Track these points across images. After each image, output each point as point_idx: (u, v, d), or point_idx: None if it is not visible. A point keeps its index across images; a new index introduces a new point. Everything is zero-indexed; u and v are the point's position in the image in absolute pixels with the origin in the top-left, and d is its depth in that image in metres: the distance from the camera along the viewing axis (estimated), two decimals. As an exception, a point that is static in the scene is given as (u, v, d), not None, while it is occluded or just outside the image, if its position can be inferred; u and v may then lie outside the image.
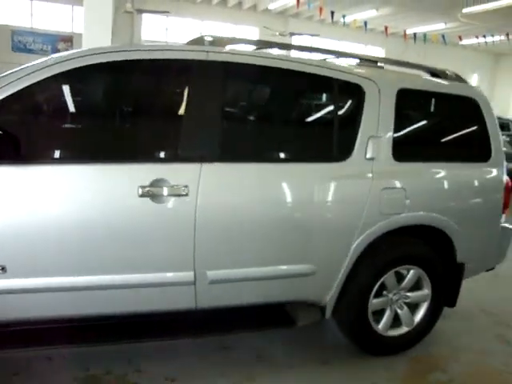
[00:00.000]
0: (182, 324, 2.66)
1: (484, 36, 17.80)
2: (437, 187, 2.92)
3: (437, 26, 18.46)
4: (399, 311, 2.99)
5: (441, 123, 3.13)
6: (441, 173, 2.95)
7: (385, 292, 2.93)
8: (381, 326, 2.95)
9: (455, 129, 3.14)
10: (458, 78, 3.17)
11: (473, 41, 19.76)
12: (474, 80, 25.99)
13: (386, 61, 3.15)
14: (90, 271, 2.29)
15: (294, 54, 3.38)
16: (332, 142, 2.69)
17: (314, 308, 2.82)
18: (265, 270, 2.54)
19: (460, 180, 3.03)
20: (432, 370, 2.93)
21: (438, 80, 3.11)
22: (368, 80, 2.76)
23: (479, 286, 4.34)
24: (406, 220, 2.79)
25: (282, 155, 2.66)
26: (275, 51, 2.96)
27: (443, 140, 3.11)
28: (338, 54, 3.07)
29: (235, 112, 2.65)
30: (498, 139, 3.15)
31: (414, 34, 17.15)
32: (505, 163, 3.21)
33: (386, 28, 16.80)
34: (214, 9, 20.04)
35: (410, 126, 3.01)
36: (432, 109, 3.10)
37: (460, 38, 18.35)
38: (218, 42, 2.60)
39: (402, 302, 2.99)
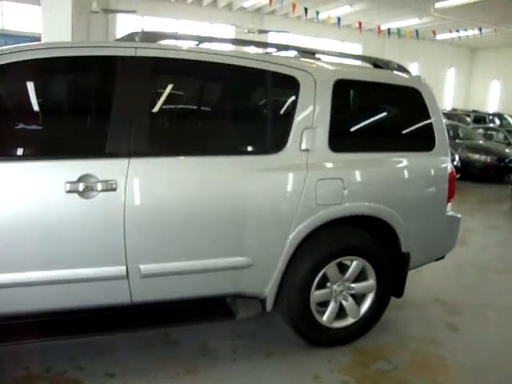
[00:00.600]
0: (118, 318, 2.63)
1: (457, 31, 17.96)
2: (377, 177, 2.92)
3: (411, 22, 18.58)
4: (344, 302, 2.99)
5: (382, 113, 3.14)
6: (381, 163, 2.96)
7: (328, 284, 2.93)
8: (325, 317, 2.95)
9: (397, 119, 3.16)
10: (401, 69, 3.18)
11: (447, 36, 19.92)
12: (450, 74, 26.32)
13: (328, 52, 3.15)
14: (19, 268, 2.27)
15: (249, 49, 3.39)
16: (265, 135, 2.68)
17: (254, 301, 2.81)
18: (198, 264, 2.52)
19: (402, 169, 3.04)
20: (377, 360, 2.94)
21: (379, 70, 3.12)
22: (303, 72, 2.75)
23: (438, 276, 4.40)
24: (344, 210, 2.79)
25: (213, 148, 2.63)
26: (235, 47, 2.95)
27: (384, 130, 3.12)
28: (278, 47, 3.07)
29: (164, 107, 2.62)
30: (441, 129, 3.17)
31: (388, 30, 17.25)
32: (449, 152, 3.23)
33: (360, 24, 16.85)
34: (190, 8, 19.92)
35: (348, 116, 3.01)
36: (372, 99, 3.10)
37: (434, 33, 18.47)
38: (149, 37, 2.58)
39: (346, 293, 2.99)
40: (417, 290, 4.06)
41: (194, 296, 2.63)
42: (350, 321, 3.03)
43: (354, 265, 2.94)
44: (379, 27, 16.96)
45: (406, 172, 3.04)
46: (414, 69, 23.58)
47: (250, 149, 2.67)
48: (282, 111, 2.81)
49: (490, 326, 3.53)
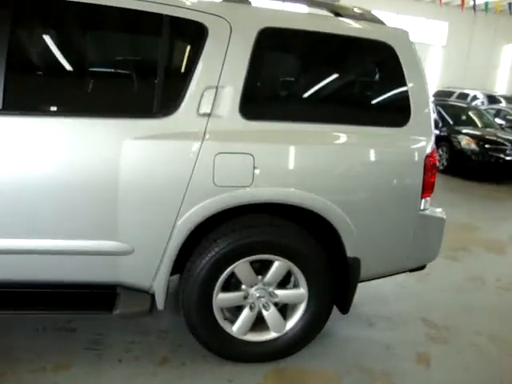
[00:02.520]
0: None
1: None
2: (310, 156, 2.23)
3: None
4: (264, 312, 2.39)
5: (329, 74, 2.38)
6: (318, 137, 2.26)
7: (243, 286, 2.35)
8: (235, 327, 2.38)
9: (352, 81, 2.41)
10: (371, 18, 2.41)
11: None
12: None
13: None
14: None
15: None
16: (152, 94, 2.11)
17: (144, 296, 2.33)
18: (54, 244, 2.09)
19: (352, 148, 2.31)
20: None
21: (333, 19, 2.38)
22: (216, 17, 2.13)
23: (443, 287, 3.57)
24: (254, 195, 2.16)
25: (77, 108, 2.12)
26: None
27: (330, 95, 2.38)
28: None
29: (21, 55, 2.16)
30: (422, 99, 2.36)
31: (474, 4, 15.01)
32: (431, 132, 2.42)
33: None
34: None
35: (275, 75, 2.33)
36: (317, 55, 2.35)
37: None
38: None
39: (268, 300, 2.38)
40: (406, 302, 3.27)
41: (52, 280, 2.21)
42: (271, 335, 2.43)
43: (275, 267, 2.30)
44: (463, 1, 14.84)
45: (357, 152, 2.30)
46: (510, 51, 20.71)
47: (127, 110, 2.13)
48: (178, 65, 2.23)
49: (478, 368, 2.62)
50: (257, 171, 2.13)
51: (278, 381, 2.36)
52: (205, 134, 2.10)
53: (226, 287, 2.36)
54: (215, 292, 2.28)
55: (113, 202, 2.08)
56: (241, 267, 2.27)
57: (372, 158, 2.31)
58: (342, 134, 2.28)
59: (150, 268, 2.22)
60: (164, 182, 2.10)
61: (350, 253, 2.35)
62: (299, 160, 2.21)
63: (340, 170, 2.26)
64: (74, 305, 2.29)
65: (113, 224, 2.11)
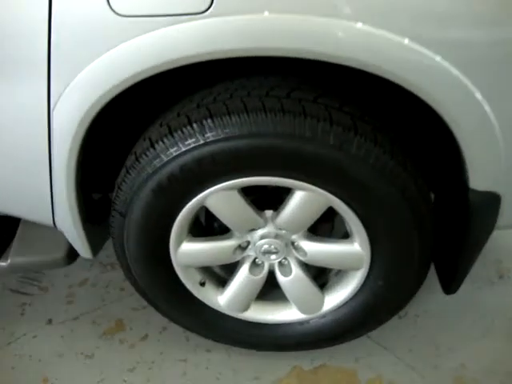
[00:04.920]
0: None
1: None
2: None
3: None
4: (280, 277, 1.20)
5: None
6: None
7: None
8: (223, 298, 1.24)
9: None
10: None
11: None
12: None
13: None
14: None
15: None
16: None
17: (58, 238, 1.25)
18: None
19: None
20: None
21: None
22: None
23: None
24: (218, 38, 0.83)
25: None
26: None
27: None
28: None
29: None
30: None
31: None
32: None
33: None
34: None
35: None
36: None
37: None
38: None
39: (287, 257, 1.17)
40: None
41: None
42: (294, 315, 1.26)
43: (299, 197, 1.04)
44: None
45: None
46: None
47: None
48: None
49: None
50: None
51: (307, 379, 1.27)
52: None
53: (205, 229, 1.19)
54: (174, 239, 1.11)
55: None
56: (218, 198, 1.04)
57: None
58: None
59: (43, 198, 1.09)
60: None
61: (480, 183, 0.97)
62: None
63: None
64: None
65: None
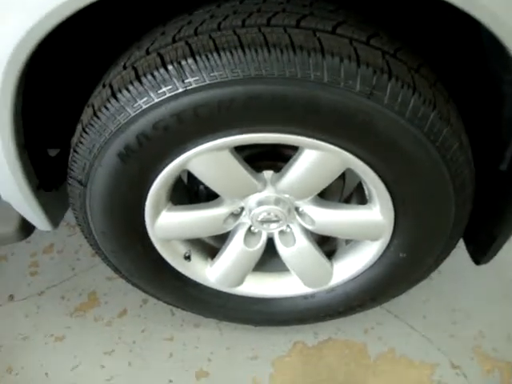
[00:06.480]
0: None
1: None
2: None
3: None
4: (282, 248, 1.00)
5: None
6: None
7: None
8: (213, 273, 1.05)
9: None
10: None
11: None
12: None
13: None
14: None
15: None
16: None
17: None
18: None
19: None
20: None
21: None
22: None
23: None
24: None
25: None
26: None
27: None
28: None
29: None
30: None
31: None
32: None
33: None
34: None
35: None
36: None
37: None
38: None
39: (290, 224, 0.97)
40: None
41: None
42: (297, 289, 1.08)
43: (310, 157, 0.81)
44: None
45: None
46: None
47: None
48: None
49: None
50: None
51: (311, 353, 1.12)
52: None
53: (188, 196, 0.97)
54: (149, 210, 0.89)
55: None
56: (204, 161, 0.80)
57: None
58: None
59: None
60: None
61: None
62: None
63: None
64: None
65: None
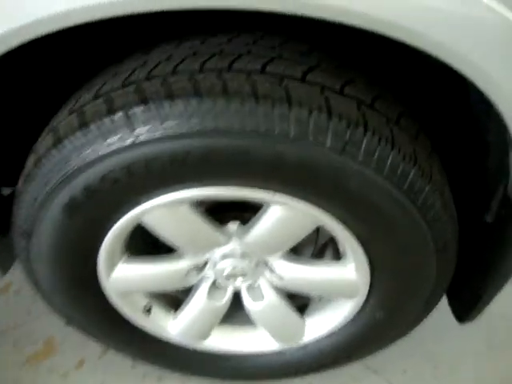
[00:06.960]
0: None
1: None
2: None
3: None
4: (248, 302, 0.92)
5: None
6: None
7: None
8: (174, 327, 0.96)
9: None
10: None
11: None
12: None
13: None
14: None
15: None
16: None
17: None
18: None
19: None
20: None
21: None
22: None
23: None
24: None
25: None
26: None
27: None
28: None
29: None
30: None
31: None
32: None
33: None
34: None
35: None
36: None
37: None
38: None
39: (259, 279, 0.89)
40: None
41: None
42: (268, 346, 1.00)
43: (277, 212, 0.73)
44: None
45: None
46: None
47: None
48: None
49: None
50: None
51: None
52: None
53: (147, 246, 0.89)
54: (103, 263, 0.80)
55: None
56: (159, 216, 0.72)
57: None
58: None
59: None
60: None
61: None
62: None
63: None
64: None
65: None
